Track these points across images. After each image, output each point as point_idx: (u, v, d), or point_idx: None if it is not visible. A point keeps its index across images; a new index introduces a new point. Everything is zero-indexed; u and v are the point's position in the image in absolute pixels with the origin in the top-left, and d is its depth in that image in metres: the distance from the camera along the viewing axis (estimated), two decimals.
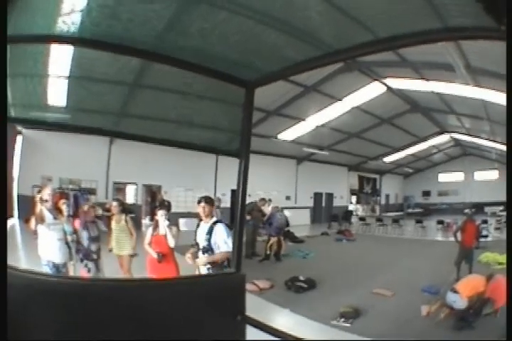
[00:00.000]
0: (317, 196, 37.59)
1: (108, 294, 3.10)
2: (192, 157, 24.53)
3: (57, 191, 17.97)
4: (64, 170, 21.34)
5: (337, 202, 39.90)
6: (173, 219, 10.46)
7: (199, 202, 7.27)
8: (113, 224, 10.02)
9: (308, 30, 3.06)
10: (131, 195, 25.46)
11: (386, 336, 7.87)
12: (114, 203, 10.48)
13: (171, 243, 8.81)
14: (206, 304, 3.55)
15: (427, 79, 19.78)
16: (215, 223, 7.03)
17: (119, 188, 24.83)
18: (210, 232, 6.90)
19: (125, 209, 10.55)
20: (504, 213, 30.35)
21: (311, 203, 36.88)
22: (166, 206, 14.66)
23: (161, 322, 3.20)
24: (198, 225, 7.38)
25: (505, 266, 11.28)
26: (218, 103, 4.07)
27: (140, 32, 3.12)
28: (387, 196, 51.74)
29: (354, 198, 45.67)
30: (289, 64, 3.48)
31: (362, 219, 33.00)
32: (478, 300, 8.39)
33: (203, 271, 6.79)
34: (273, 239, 16.81)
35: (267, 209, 17.64)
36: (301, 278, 12.01)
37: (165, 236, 8.84)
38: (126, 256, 9.90)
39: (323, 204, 38.41)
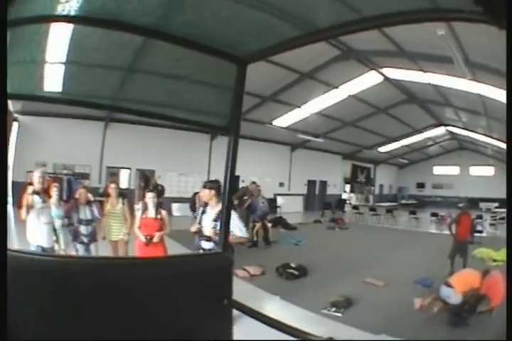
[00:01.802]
0: (311, 183, 37.84)
1: (92, 272, 2.99)
2: (186, 142, 25.58)
3: (46, 175, 18.33)
4: (58, 156, 21.61)
5: (330, 191, 40.18)
6: (165, 204, 10.39)
7: (206, 187, 6.95)
8: (108, 207, 9.75)
9: (299, 9, 3.02)
10: (124, 180, 25.63)
11: (379, 327, 7.69)
12: (113, 185, 10.25)
13: (167, 227, 8.88)
14: (192, 285, 3.45)
15: (425, 71, 19.82)
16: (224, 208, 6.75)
17: (113, 173, 24.96)
18: (216, 219, 6.53)
19: (121, 192, 10.34)
20: (499, 210, 30.55)
21: (304, 190, 37.05)
22: (159, 190, 14.45)
23: (144, 302, 3.14)
24: (203, 211, 6.96)
25: (500, 264, 11.33)
26: (210, 79, 3.99)
27: (133, 8, 3.09)
28: (381, 186, 52.49)
29: (348, 187, 45.61)
30: (281, 40, 3.41)
31: (355, 208, 33.08)
32: (473, 297, 8.19)
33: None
34: (258, 225, 16.84)
35: (257, 194, 17.42)
36: (293, 265, 11.87)
37: (154, 219, 8.72)
38: (122, 241, 9.76)
39: (317, 191, 38.63)
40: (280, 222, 21.87)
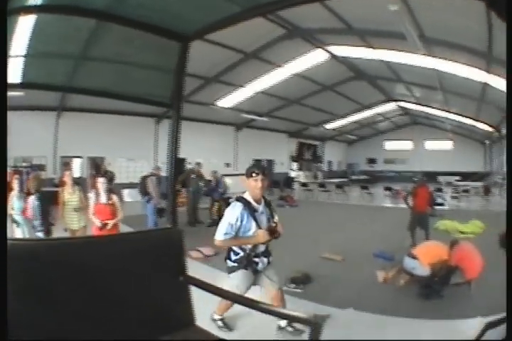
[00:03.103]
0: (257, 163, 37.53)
1: (50, 253, 3.12)
2: (133, 127, 26.33)
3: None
4: (17, 149, 21.42)
5: (278, 169, 40.76)
6: (117, 190, 10.61)
7: (256, 173, 5.28)
8: (66, 197, 9.88)
9: None
10: (77, 169, 25.71)
11: (343, 302, 7.67)
12: (67, 172, 10.52)
13: (120, 213, 9.26)
14: (146, 262, 3.62)
15: (374, 48, 20.23)
16: (265, 199, 5.62)
17: (66, 162, 25.01)
18: (272, 211, 5.61)
19: (76, 181, 10.62)
20: (461, 183, 31.29)
21: None
22: (110, 176, 14.57)
23: (100, 281, 3.28)
24: (254, 210, 5.36)
25: (469, 236, 11.60)
26: (155, 58, 4.05)
27: None
28: (330, 163, 52.93)
29: (296, 165, 45.98)
30: (223, 16, 3.51)
31: (304, 185, 33.34)
32: (442, 268, 8.15)
33: None
34: (218, 204, 17.24)
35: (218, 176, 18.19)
36: None
37: (106, 204, 9.10)
38: (83, 229, 9.94)
39: None
40: (229, 202, 22.01)
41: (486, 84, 20.80)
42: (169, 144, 3.90)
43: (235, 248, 5.49)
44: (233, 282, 5.51)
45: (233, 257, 5.52)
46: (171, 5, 3.46)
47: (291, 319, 3.38)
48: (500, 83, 18.90)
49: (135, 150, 27.02)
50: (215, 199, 17.60)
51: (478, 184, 28.65)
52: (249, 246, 5.43)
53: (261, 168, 5.42)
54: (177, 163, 4.08)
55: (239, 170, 34.59)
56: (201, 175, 17.98)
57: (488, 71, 18.11)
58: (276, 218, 5.59)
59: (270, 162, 40.23)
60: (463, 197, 26.52)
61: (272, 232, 5.31)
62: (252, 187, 5.33)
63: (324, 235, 14.79)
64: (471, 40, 15.10)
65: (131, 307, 3.43)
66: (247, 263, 5.44)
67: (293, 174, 43.45)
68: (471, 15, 12.23)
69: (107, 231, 8.78)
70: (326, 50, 22.24)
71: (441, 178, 40.79)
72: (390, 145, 55.80)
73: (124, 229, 10.28)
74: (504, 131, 30.10)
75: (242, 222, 5.25)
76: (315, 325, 2.64)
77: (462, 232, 14.71)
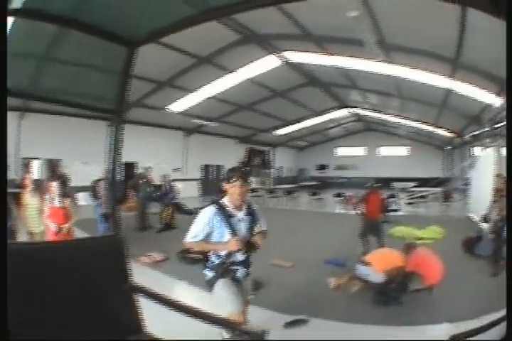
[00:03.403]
0: (206, 168, 38.77)
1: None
2: (89, 130, 25.98)
3: None
4: None
5: None
6: (72, 194, 10.68)
7: (236, 178, 5.04)
8: (28, 199, 9.94)
9: None
10: (36, 171, 25.41)
11: (296, 308, 7.67)
12: (28, 175, 10.95)
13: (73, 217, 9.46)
14: (88, 270, 3.62)
15: (331, 54, 20.25)
16: (249, 206, 5.34)
17: (25, 164, 24.74)
18: (254, 220, 5.33)
19: (36, 183, 10.61)
20: (418, 189, 31.42)
21: (200, 175, 37.77)
22: (64, 180, 14.71)
23: (42, 289, 3.29)
24: (229, 215, 5.05)
25: (427, 241, 11.82)
26: (102, 63, 4.07)
27: None
28: (280, 169, 52.93)
29: None
30: (174, 19, 3.58)
31: (253, 191, 33.19)
32: (398, 275, 8.20)
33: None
34: (168, 209, 17.44)
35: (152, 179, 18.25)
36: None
37: (59, 208, 9.28)
38: (43, 233, 9.89)
39: (213, 176, 39.09)
40: (179, 207, 21.96)
41: (448, 90, 21.08)
42: (111, 149, 3.91)
43: (211, 256, 5.20)
44: (221, 297, 5.06)
45: (209, 265, 5.22)
46: (123, 8, 3.46)
47: (234, 329, 3.40)
48: (466, 89, 19.37)
49: (89, 154, 26.51)
50: (166, 204, 17.64)
51: (437, 190, 28.84)
52: (224, 254, 5.12)
53: (240, 172, 5.12)
54: (125, 168, 4.14)
55: (188, 175, 35.23)
56: (150, 180, 17.98)
57: (452, 77, 18.37)
58: (258, 229, 5.40)
59: (219, 167, 40.40)
60: (420, 203, 26.52)
61: (251, 244, 5.18)
62: (230, 192, 5.11)
63: (272, 241, 14.64)
64: (436, 46, 15.33)
65: (76, 314, 3.41)
66: (223, 271, 5.12)
67: None
68: (439, 20, 12.32)
69: (63, 236, 8.98)
70: (281, 56, 22.32)
71: (395, 184, 40.91)
72: (342, 151, 55.89)
73: (78, 232, 10.40)
74: (467, 137, 30.62)
75: (212, 226, 5.03)
76: (258, 336, 2.67)
77: (420, 238, 14.60)
